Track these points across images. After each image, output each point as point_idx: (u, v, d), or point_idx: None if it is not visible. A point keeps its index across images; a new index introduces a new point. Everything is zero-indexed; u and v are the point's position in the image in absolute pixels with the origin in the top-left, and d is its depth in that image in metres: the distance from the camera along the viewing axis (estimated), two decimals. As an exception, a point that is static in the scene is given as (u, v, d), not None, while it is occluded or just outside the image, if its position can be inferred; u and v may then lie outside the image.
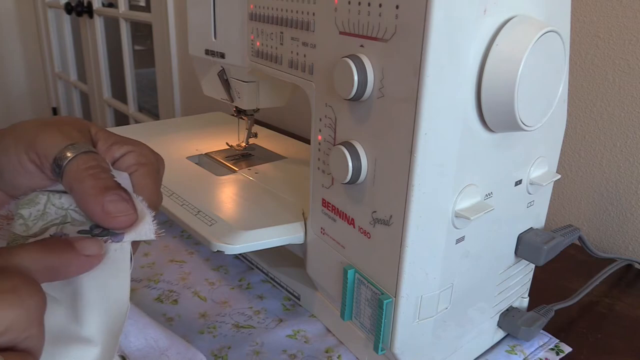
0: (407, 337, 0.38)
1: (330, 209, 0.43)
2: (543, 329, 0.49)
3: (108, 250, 0.27)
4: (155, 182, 0.31)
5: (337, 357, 0.46)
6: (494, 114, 0.33)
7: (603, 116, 0.66)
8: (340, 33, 0.37)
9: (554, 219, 0.73)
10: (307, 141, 0.57)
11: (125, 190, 0.28)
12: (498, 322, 0.47)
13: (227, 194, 0.57)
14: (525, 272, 0.47)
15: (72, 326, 0.26)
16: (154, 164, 0.31)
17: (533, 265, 0.48)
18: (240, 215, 0.52)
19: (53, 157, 0.27)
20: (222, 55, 0.56)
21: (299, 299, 0.54)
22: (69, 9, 2.03)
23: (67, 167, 0.27)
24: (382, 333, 0.38)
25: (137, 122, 1.91)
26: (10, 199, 0.30)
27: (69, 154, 0.27)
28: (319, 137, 0.42)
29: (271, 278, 0.57)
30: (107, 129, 0.33)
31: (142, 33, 1.92)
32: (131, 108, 1.92)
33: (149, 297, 0.54)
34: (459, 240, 0.37)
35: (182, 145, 0.72)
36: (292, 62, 0.44)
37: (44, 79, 2.65)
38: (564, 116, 0.43)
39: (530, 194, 0.42)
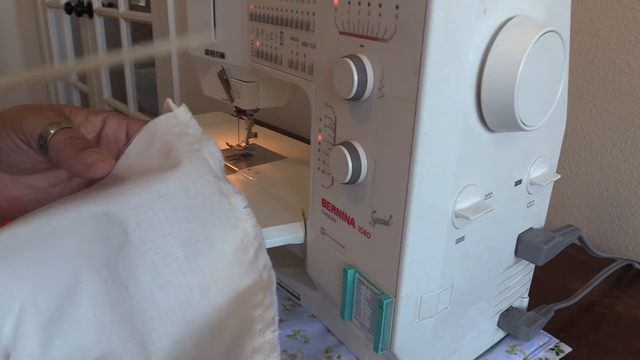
0: (407, 337, 0.38)
1: (330, 209, 0.43)
2: (543, 329, 0.49)
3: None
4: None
5: (337, 357, 0.46)
6: (494, 114, 0.33)
7: (603, 116, 0.66)
8: (340, 33, 0.37)
9: (554, 219, 0.73)
10: (307, 141, 0.57)
11: (96, 145, 0.34)
12: (498, 322, 0.47)
13: (227, 194, 0.57)
14: (525, 272, 0.47)
15: None
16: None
17: (533, 265, 0.48)
18: (240, 215, 0.51)
19: (37, 135, 0.33)
20: (222, 55, 0.56)
21: (299, 299, 0.54)
22: (69, 9, 2.03)
23: (50, 142, 0.33)
24: (382, 333, 0.38)
25: (137, 122, 1.90)
26: (12, 178, 0.36)
27: (51, 131, 0.33)
28: (319, 137, 0.42)
29: (271, 278, 0.57)
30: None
31: (142, 33, 1.91)
32: (131, 108, 1.92)
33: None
34: (459, 240, 0.37)
35: (182, 145, 0.72)
36: (292, 62, 0.44)
37: (44, 79, 2.64)
38: (564, 116, 0.43)
39: (530, 194, 0.42)
